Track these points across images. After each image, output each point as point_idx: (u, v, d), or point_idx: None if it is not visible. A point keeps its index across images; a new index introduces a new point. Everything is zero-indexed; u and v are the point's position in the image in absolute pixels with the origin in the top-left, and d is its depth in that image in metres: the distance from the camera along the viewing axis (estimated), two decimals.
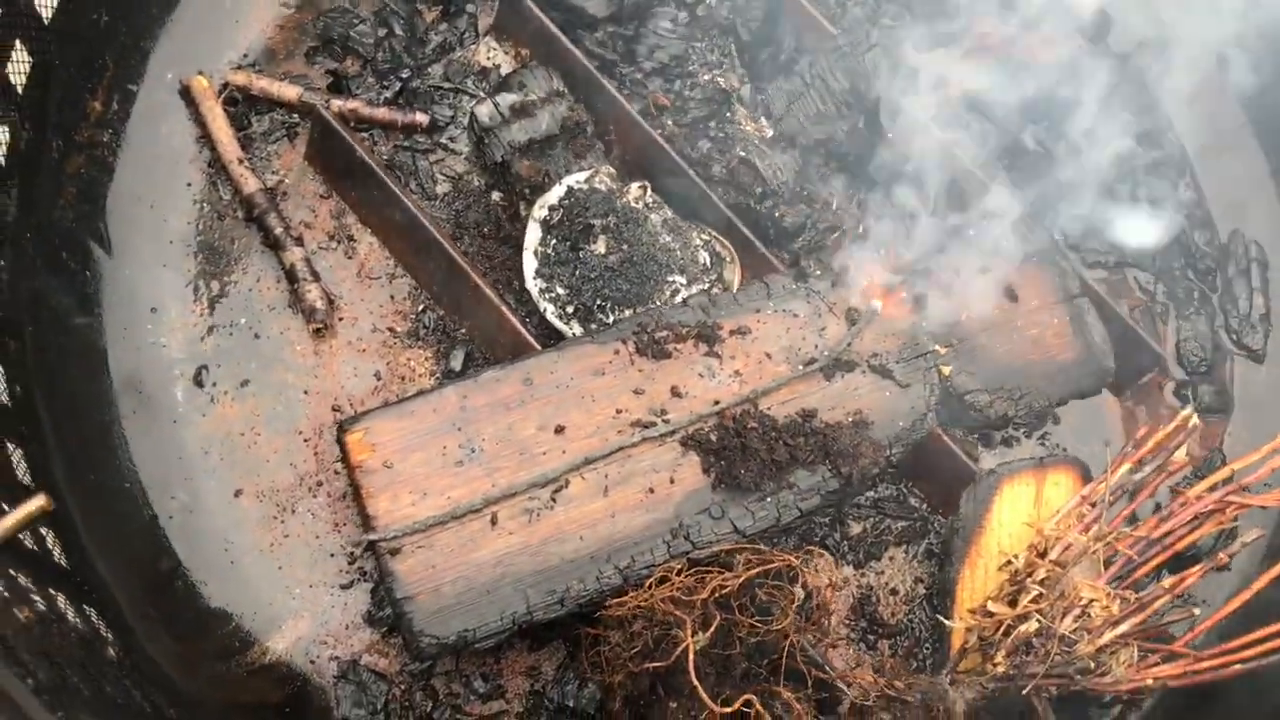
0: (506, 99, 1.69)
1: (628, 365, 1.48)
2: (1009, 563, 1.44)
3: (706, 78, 1.79)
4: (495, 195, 1.70)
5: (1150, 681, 1.34)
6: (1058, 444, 1.66)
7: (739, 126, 1.77)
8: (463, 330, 1.62)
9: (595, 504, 1.39)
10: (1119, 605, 1.33)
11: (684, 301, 1.55)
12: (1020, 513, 1.49)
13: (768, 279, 1.57)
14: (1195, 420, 1.46)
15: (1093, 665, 1.31)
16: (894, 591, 1.58)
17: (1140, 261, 1.81)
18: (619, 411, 1.45)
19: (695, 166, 1.70)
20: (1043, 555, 1.39)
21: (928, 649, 1.55)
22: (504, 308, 1.56)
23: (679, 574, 1.35)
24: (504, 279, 1.64)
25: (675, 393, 1.47)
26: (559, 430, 1.43)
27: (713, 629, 1.29)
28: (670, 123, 1.76)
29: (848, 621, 1.56)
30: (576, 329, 1.57)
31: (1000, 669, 1.34)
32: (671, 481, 1.42)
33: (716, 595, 1.32)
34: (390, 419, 1.41)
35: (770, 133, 1.77)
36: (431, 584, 1.34)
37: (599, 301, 1.59)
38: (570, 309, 1.59)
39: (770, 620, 1.34)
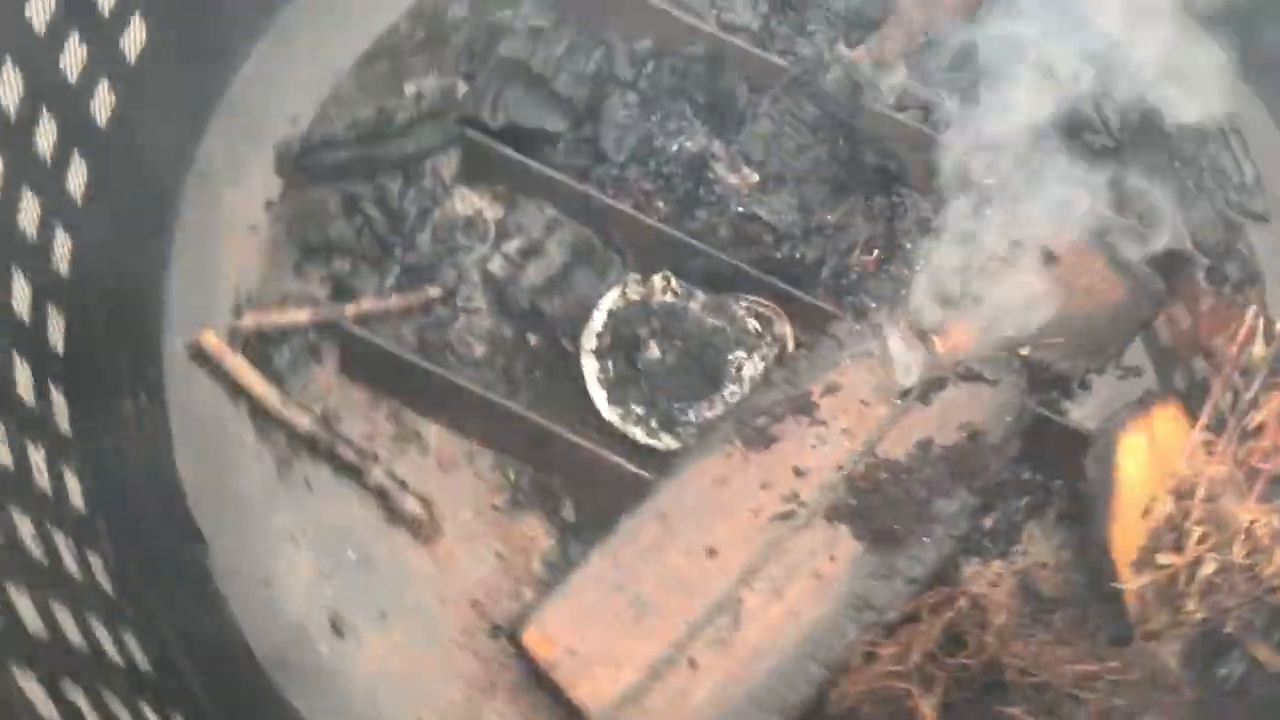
0: (510, 246, 1.68)
1: (744, 464, 1.50)
2: (1150, 512, 1.50)
3: (675, 148, 1.80)
4: (533, 339, 1.69)
5: None
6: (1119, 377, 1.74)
7: (726, 183, 1.78)
8: (559, 480, 1.63)
9: (775, 610, 1.42)
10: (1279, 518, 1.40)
11: (766, 381, 1.57)
12: (1142, 461, 1.55)
13: (833, 330, 1.59)
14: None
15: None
16: (1044, 565, 1.64)
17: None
18: (756, 512, 1.47)
19: (702, 238, 1.71)
20: (1189, 496, 1.45)
21: (1094, 612, 1.60)
22: (592, 447, 1.57)
23: (877, 645, 1.39)
24: (578, 417, 1.64)
25: (798, 473, 1.49)
26: (711, 553, 1.44)
27: (941, 685, 1.33)
28: (662, 204, 1.76)
29: (1018, 609, 1.61)
30: (668, 440, 1.59)
31: (1197, 615, 1.40)
32: (832, 559, 1.45)
33: (925, 650, 1.37)
34: (556, 606, 1.42)
35: (756, 178, 1.78)
36: None
37: (676, 405, 1.60)
38: (654, 423, 1.60)
39: (971, 648, 1.40)
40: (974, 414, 1.54)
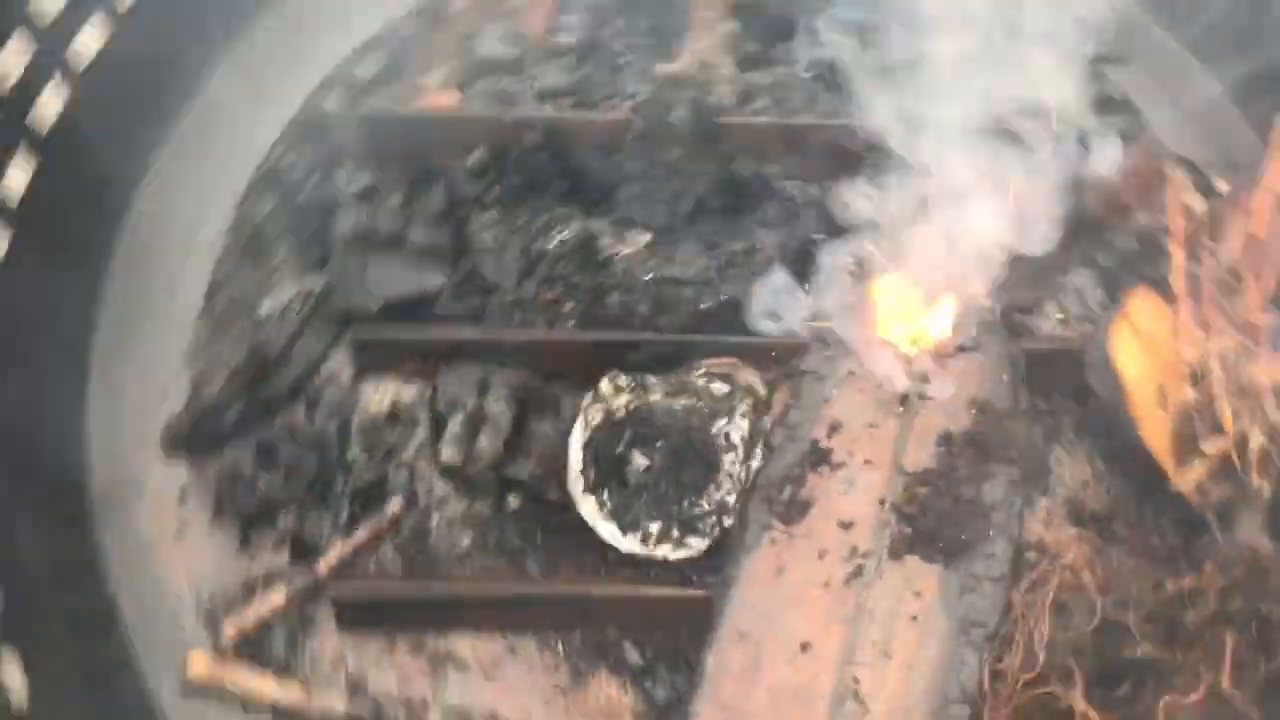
0: (452, 428, 1.56)
1: (791, 542, 1.43)
2: (1167, 399, 1.49)
3: (556, 243, 1.69)
4: (513, 501, 1.58)
5: None
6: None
7: (621, 256, 1.68)
8: (613, 632, 1.53)
9: (893, 673, 1.36)
10: None
11: (770, 448, 1.50)
12: (1138, 356, 1.53)
13: (807, 368, 1.53)
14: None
15: None
16: (1085, 484, 1.62)
17: None
18: (825, 584, 1.41)
19: (627, 323, 1.62)
20: (1205, 377, 1.44)
21: (1150, 508, 1.59)
22: (629, 587, 1.49)
23: (999, 661, 1.36)
24: (598, 558, 1.54)
25: (844, 526, 1.43)
26: (805, 648, 1.38)
27: (1078, 671, 1.31)
28: (571, 305, 1.66)
29: (1089, 539, 1.59)
30: (697, 542, 1.50)
31: (1266, 489, 1.40)
32: (918, 595, 1.40)
33: (1043, 640, 1.34)
34: None
35: (648, 237, 1.69)
36: None
37: (686, 504, 1.52)
38: (675, 532, 1.51)
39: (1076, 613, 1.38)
40: (974, 388, 1.50)
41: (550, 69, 1.79)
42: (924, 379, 1.49)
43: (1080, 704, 1.32)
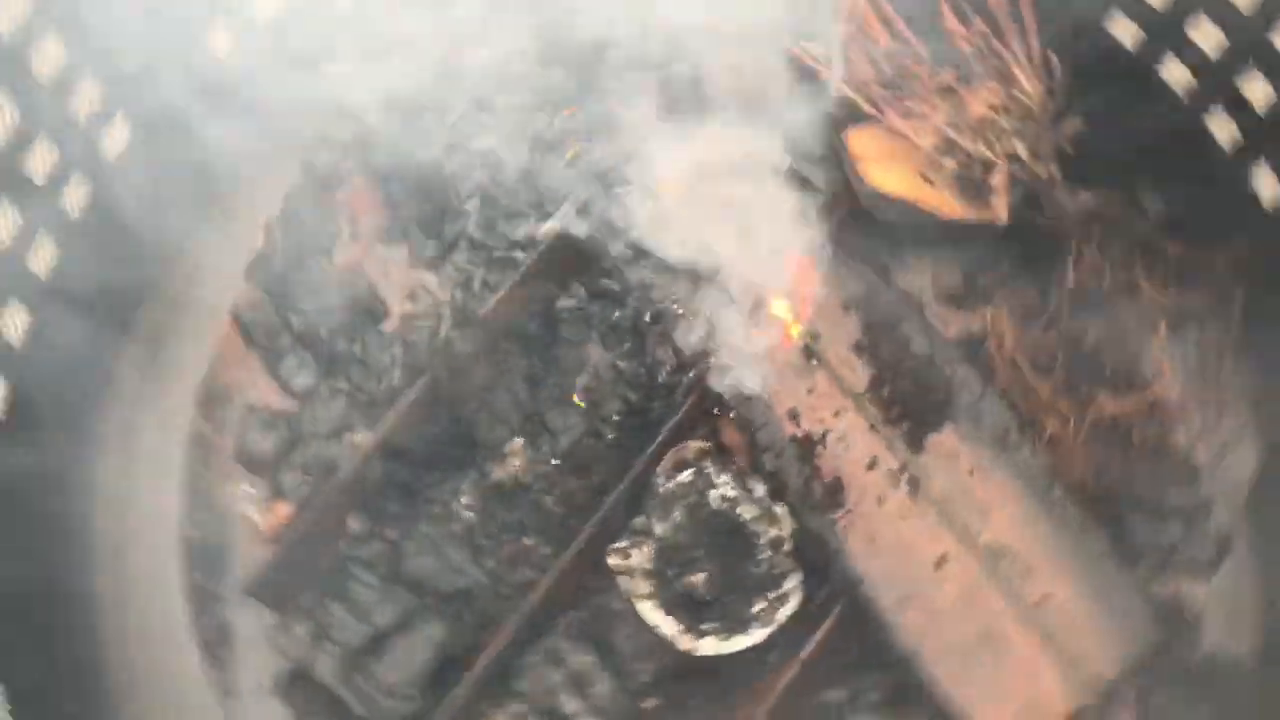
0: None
1: (852, 515, 1.58)
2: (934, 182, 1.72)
3: (468, 512, 1.71)
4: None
5: None
6: None
7: (516, 473, 1.73)
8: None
9: (1000, 520, 1.56)
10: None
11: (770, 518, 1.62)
12: (890, 173, 1.73)
13: (736, 400, 1.65)
14: None
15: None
16: (941, 275, 1.84)
17: None
18: (903, 517, 1.57)
19: (582, 512, 1.67)
20: (948, 149, 1.68)
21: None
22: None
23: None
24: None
25: (870, 466, 1.59)
26: (940, 563, 1.54)
27: None
28: (531, 543, 1.69)
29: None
30: (792, 585, 1.61)
31: (1054, 170, 1.66)
32: (954, 455, 1.59)
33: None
34: None
35: (520, 441, 1.74)
36: None
37: (765, 591, 1.60)
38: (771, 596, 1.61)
39: None
40: (836, 293, 1.67)
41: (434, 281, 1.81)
42: (813, 334, 1.66)
43: None
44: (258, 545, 1.68)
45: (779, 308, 1.64)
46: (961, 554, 1.54)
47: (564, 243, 1.77)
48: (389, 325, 1.82)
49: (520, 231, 1.85)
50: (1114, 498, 1.63)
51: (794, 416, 1.62)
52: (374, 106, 1.87)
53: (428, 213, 1.86)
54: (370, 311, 1.82)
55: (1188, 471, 1.69)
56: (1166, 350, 1.70)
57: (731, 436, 1.66)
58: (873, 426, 1.61)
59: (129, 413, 1.74)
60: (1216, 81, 1.66)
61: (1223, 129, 1.69)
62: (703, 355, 1.66)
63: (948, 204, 1.72)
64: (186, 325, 1.82)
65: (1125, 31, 1.74)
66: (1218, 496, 1.70)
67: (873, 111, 1.72)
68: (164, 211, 1.73)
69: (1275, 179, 1.64)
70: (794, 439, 1.61)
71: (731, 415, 1.64)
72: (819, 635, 1.57)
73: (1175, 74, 1.72)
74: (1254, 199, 1.67)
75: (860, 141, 1.75)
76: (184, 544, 1.69)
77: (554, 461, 1.70)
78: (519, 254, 1.83)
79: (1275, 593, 1.66)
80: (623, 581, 1.61)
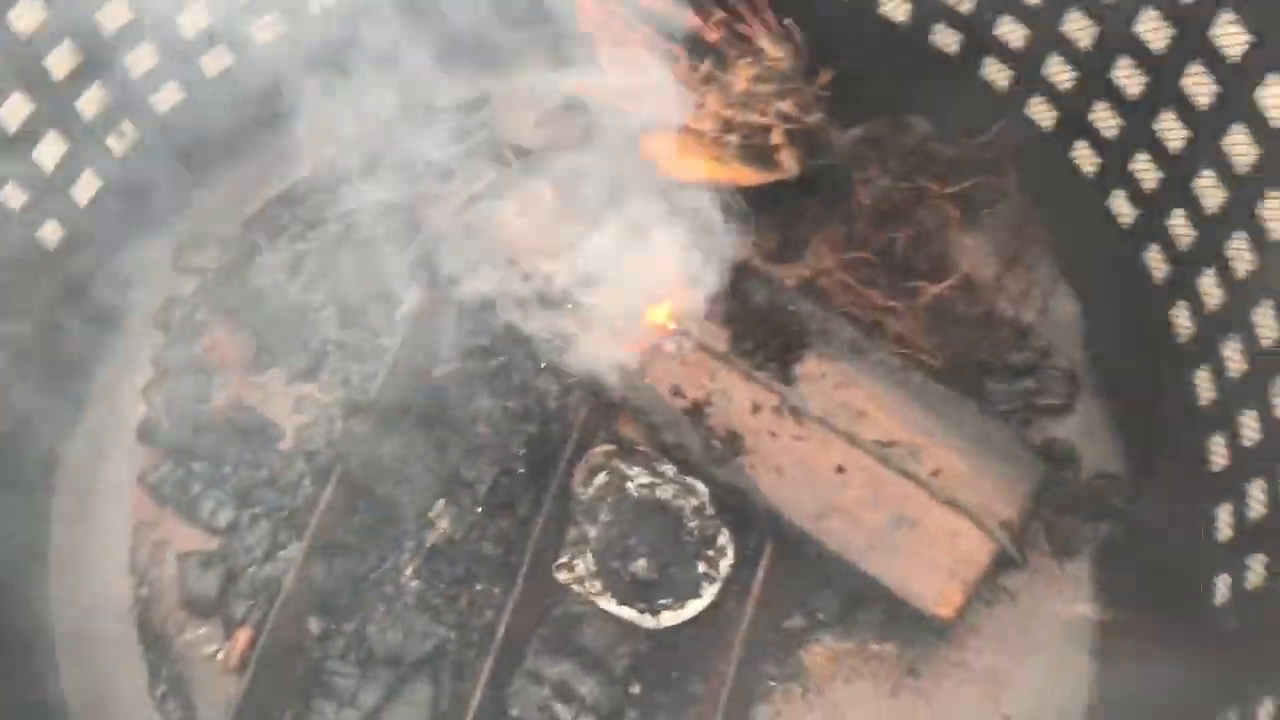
0: None
1: (759, 456, 1.73)
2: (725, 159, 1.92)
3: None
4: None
5: None
6: None
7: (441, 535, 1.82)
8: None
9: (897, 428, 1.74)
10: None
11: (688, 492, 1.77)
12: (687, 164, 1.93)
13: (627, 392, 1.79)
14: None
15: None
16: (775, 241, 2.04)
17: None
18: (799, 438, 1.73)
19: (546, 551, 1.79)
20: (728, 128, 1.87)
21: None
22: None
23: None
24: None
25: (756, 410, 1.75)
26: (841, 470, 1.71)
27: None
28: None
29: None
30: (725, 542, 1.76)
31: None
32: (840, 384, 1.77)
33: None
34: None
35: (440, 504, 1.83)
36: None
37: (702, 553, 1.74)
38: (711, 556, 1.75)
39: None
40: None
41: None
42: (682, 322, 1.81)
43: None
44: (227, 677, 1.74)
45: (656, 312, 1.80)
46: (856, 456, 1.71)
47: (423, 316, 1.90)
48: (286, 442, 1.91)
49: (379, 322, 1.98)
50: (966, 369, 1.83)
51: (678, 391, 1.77)
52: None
53: (288, 332, 1.97)
54: (264, 435, 1.91)
55: (1019, 330, 1.91)
56: (966, 235, 1.92)
57: (630, 429, 1.80)
58: (746, 376, 1.77)
59: (72, 594, 1.79)
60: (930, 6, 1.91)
61: (948, 41, 1.94)
62: (581, 370, 1.81)
63: (744, 174, 1.92)
64: (98, 508, 1.88)
65: None
66: (1052, 344, 1.92)
67: (651, 114, 1.91)
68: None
69: (1004, 69, 1.89)
70: (684, 410, 1.75)
71: (624, 410, 1.78)
72: (760, 574, 1.71)
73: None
74: (987, 85, 1.92)
75: (652, 144, 1.94)
76: (156, 700, 1.73)
77: (478, 509, 1.81)
78: (385, 340, 1.96)
79: (1127, 413, 1.87)
80: (575, 589, 1.73)
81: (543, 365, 1.88)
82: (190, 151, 2.03)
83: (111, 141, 1.91)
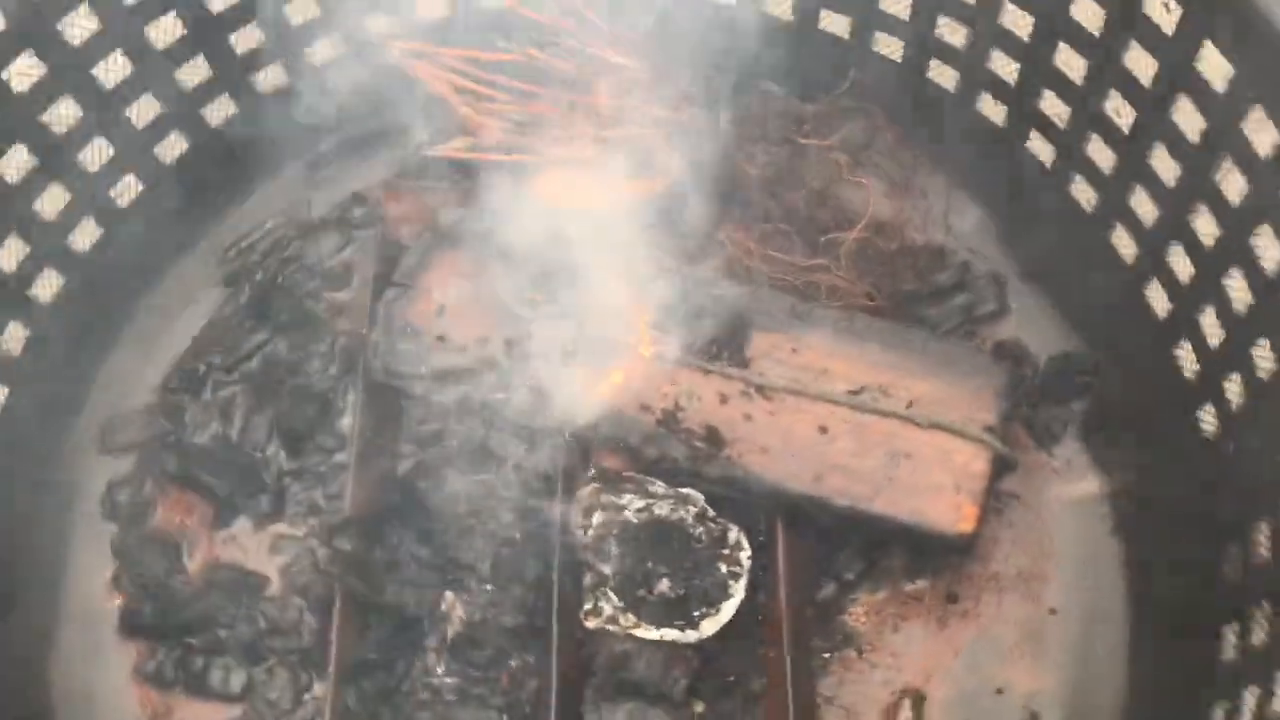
0: None
1: (740, 442, 1.74)
2: None
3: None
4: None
5: None
6: None
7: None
8: None
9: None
10: None
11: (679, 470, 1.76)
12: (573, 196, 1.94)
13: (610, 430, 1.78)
14: None
15: None
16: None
17: None
18: (773, 413, 1.75)
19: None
20: None
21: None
22: None
23: None
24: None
25: (724, 400, 1.76)
26: (823, 430, 1.73)
27: None
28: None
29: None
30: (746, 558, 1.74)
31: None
32: (794, 349, 1.79)
33: None
34: None
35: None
36: None
37: (718, 555, 1.73)
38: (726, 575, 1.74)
39: None
40: None
41: None
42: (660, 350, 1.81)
43: None
44: None
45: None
46: (832, 412, 1.73)
47: (369, 419, 1.87)
48: (274, 587, 1.85)
49: (328, 440, 1.94)
50: (902, 301, 1.88)
51: (645, 407, 1.77)
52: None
53: (242, 478, 1.91)
54: (251, 587, 1.84)
55: (935, 253, 1.97)
56: (858, 178, 1.98)
57: (610, 460, 1.80)
58: (704, 372, 1.78)
59: None
60: None
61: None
62: (545, 421, 1.80)
63: (640, 187, 1.94)
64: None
65: None
66: (968, 253, 1.98)
67: (535, 158, 1.93)
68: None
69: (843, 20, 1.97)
70: (658, 423, 1.76)
71: (599, 444, 1.78)
72: (780, 555, 1.71)
73: None
74: (837, 38, 1.99)
75: (543, 187, 1.95)
76: None
77: (488, 587, 1.78)
78: (339, 456, 1.92)
79: (1060, 293, 1.94)
80: (610, 630, 1.71)
81: (504, 429, 1.86)
82: (79, 336, 1.98)
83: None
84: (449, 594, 1.78)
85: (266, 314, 2.04)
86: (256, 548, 1.87)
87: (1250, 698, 1.43)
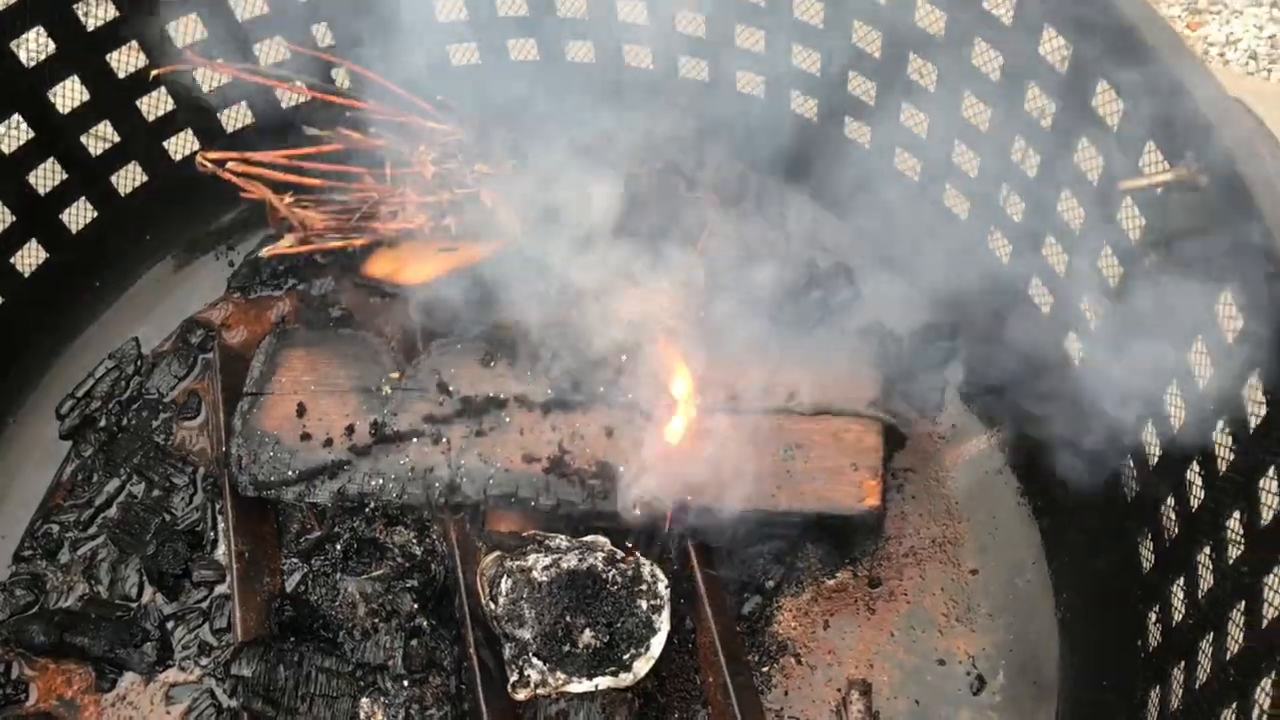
0: None
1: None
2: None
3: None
4: None
5: None
6: None
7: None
8: None
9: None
10: None
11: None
12: (404, 267, 1.90)
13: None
14: None
15: None
16: None
17: None
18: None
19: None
20: None
21: None
22: None
23: None
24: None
25: (604, 471, 1.72)
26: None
27: None
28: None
29: None
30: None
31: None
32: None
33: None
34: None
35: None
36: None
37: (635, 593, 1.67)
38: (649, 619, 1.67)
39: None
40: None
41: None
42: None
43: None
44: None
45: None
46: (716, 422, 1.71)
47: (248, 538, 1.77)
48: None
49: (206, 572, 1.83)
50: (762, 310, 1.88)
51: (531, 458, 1.71)
52: None
53: (121, 634, 1.78)
54: None
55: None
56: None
57: (503, 524, 1.73)
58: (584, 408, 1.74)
59: None
60: None
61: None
62: (428, 501, 1.73)
63: (476, 250, 1.91)
64: None
65: None
66: (819, 252, 2.00)
67: (365, 240, 1.89)
68: None
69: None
70: (545, 470, 1.70)
71: (489, 510, 1.72)
72: (698, 577, 1.67)
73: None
74: None
75: (378, 266, 1.91)
76: None
77: (406, 685, 1.68)
78: (220, 587, 1.81)
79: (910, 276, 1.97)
80: (542, 693, 1.62)
81: (386, 520, 1.78)
82: None
83: None
84: (365, 700, 1.67)
85: (116, 459, 1.93)
86: (150, 702, 1.73)
87: (1177, 601, 1.44)
